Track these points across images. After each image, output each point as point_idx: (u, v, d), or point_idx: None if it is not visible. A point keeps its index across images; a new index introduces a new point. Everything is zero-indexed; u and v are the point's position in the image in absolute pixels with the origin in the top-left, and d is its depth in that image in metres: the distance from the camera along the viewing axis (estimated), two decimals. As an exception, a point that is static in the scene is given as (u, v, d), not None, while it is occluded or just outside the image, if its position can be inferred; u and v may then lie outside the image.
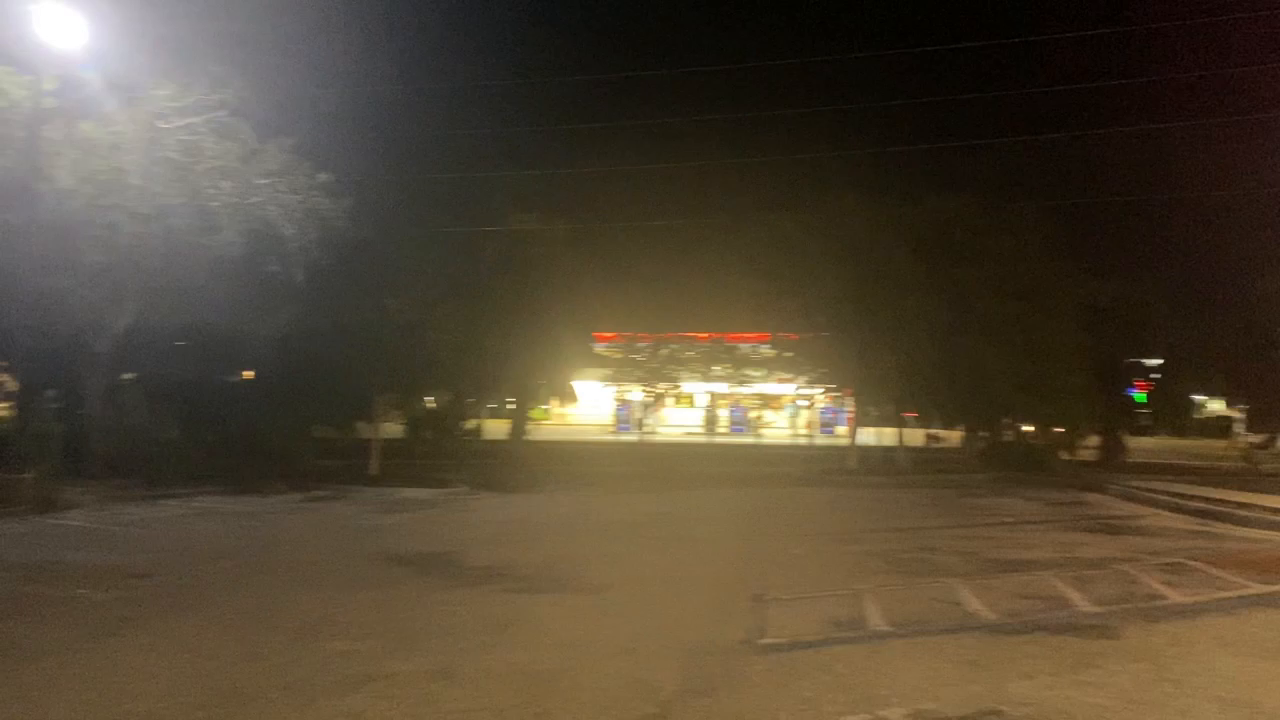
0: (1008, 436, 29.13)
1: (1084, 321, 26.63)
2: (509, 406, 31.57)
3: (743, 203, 26.47)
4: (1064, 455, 28.51)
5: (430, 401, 29.36)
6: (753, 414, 42.61)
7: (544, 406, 38.77)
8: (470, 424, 28.97)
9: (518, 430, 29.19)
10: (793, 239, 25.59)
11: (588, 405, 41.19)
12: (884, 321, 24.48)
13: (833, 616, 8.36)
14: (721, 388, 38.61)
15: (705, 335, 33.00)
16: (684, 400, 42.05)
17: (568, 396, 35.83)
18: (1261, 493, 18.86)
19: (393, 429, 27.36)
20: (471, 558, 11.71)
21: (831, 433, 40.14)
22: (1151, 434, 39.43)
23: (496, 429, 29.67)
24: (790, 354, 29.97)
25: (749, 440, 38.55)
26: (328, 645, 7.38)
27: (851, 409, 31.48)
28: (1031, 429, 30.10)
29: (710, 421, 41.61)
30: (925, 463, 27.46)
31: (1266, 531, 14.99)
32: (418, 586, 9.88)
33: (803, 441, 38.69)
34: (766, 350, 32.03)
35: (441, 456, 25.11)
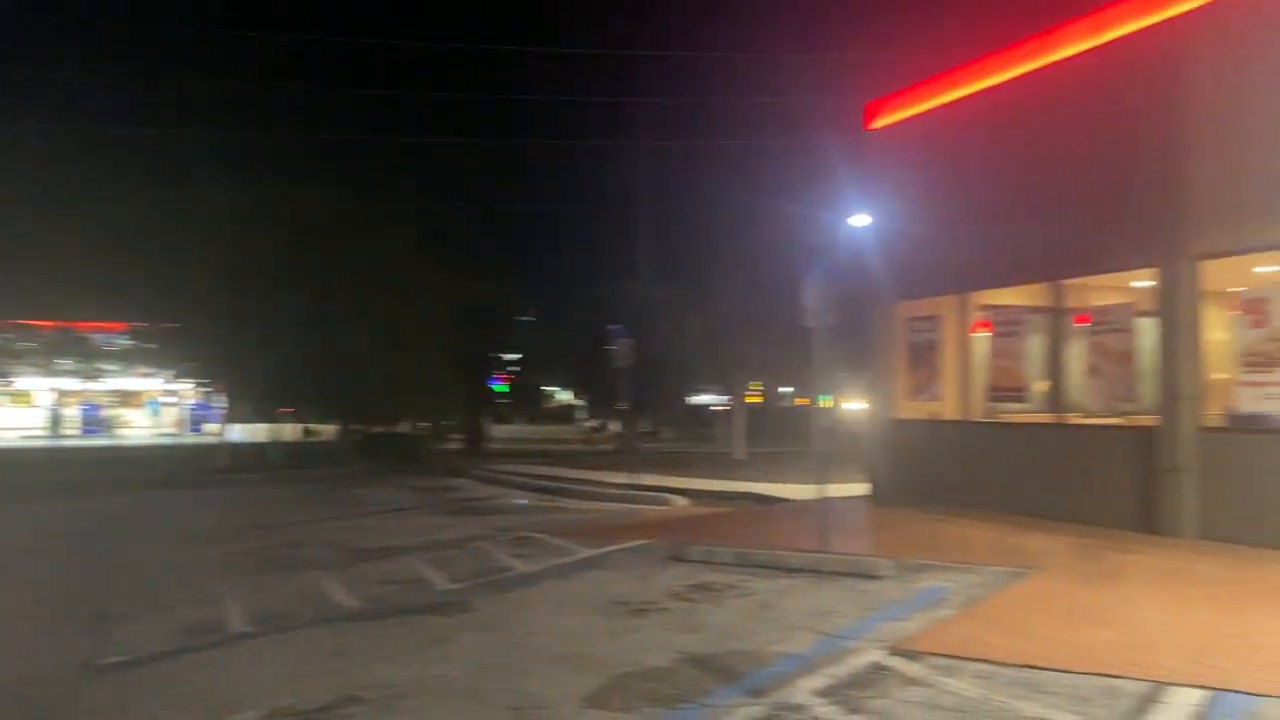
0: (380, 429, 29.97)
1: (452, 319, 28.42)
2: None
3: (92, 176, 23.42)
4: (434, 445, 30.22)
5: None
6: (109, 412, 38.60)
7: None
8: None
9: None
10: (152, 220, 23.55)
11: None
12: (255, 314, 23.66)
13: (190, 624, 7.88)
14: (70, 384, 34.22)
15: (49, 324, 28.78)
16: (21, 399, 36.57)
17: None
18: (597, 469, 22.03)
19: None
20: None
21: (201, 430, 38.00)
22: (510, 422, 43.46)
23: None
24: (153, 346, 27.62)
25: (105, 442, 34.96)
26: None
27: (224, 405, 29.93)
28: (407, 421, 31.36)
29: (55, 422, 36.91)
30: (301, 457, 27.21)
31: (599, 503, 17.58)
32: None
33: (169, 441, 36.14)
34: (124, 342, 29.01)
35: None
